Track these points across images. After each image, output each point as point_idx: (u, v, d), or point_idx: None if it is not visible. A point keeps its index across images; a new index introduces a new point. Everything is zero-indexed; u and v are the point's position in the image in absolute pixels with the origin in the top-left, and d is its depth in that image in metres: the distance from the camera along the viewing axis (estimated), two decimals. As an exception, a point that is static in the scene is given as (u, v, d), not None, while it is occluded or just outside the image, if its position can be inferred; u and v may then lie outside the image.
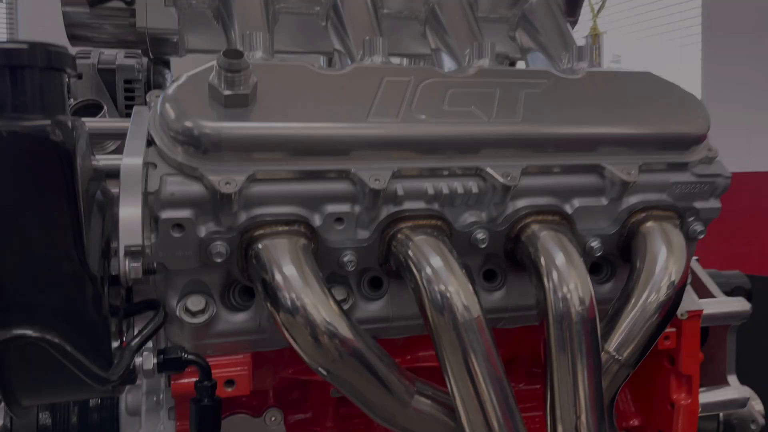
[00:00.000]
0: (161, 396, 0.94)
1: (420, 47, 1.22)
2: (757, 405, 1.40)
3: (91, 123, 0.81)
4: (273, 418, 0.95)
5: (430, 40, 1.17)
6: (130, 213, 0.67)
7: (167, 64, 1.28)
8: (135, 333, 0.68)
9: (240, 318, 0.84)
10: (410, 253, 0.81)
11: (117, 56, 1.23)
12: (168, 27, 1.03)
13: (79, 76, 1.18)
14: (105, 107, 1.03)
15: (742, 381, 1.39)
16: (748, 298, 1.40)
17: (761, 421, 1.37)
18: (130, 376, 0.68)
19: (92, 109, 1.00)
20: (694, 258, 1.24)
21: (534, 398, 1.12)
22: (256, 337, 0.85)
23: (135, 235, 0.65)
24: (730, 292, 1.38)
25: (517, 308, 0.94)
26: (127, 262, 0.63)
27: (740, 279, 1.43)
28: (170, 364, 0.70)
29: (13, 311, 0.57)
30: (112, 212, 0.68)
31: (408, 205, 0.84)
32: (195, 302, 0.80)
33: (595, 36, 2.68)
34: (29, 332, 0.55)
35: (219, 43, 1.09)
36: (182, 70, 0.83)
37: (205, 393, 0.72)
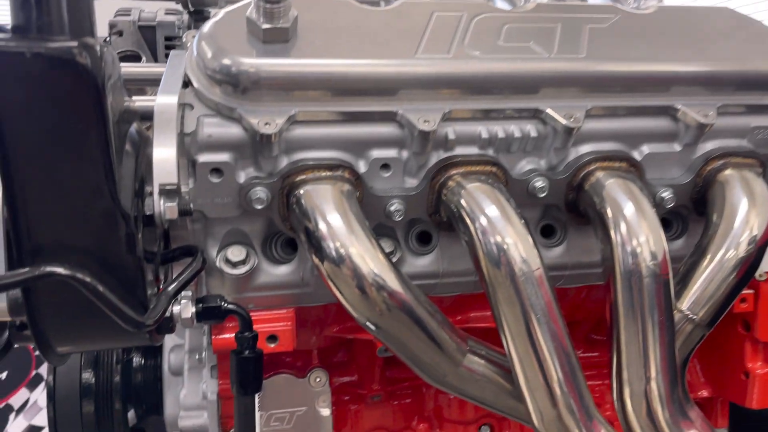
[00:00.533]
0: (203, 354, 0.91)
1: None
2: None
3: (127, 68, 0.78)
4: (318, 379, 0.91)
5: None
6: (164, 151, 0.63)
7: (207, 20, 1.23)
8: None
9: (282, 271, 0.79)
10: (463, 201, 0.74)
11: (157, 14, 1.20)
12: (206, -26, 0.99)
13: (120, 33, 1.16)
14: (144, 57, 1.00)
15: None
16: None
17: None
18: (168, 324, 0.64)
19: (131, 59, 0.97)
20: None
21: (592, 366, 1.05)
22: (300, 291, 0.81)
23: (170, 174, 0.61)
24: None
25: (577, 266, 0.87)
26: (161, 201, 0.59)
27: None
28: (209, 313, 0.66)
29: (42, 249, 0.54)
30: (146, 153, 0.65)
31: (460, 150, 0.77)
32: (235, 252, 0.76)
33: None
34: (59, 269, 0.52)
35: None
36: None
37: (246, 344, 0.68)
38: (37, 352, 2.72)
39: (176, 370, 0.97)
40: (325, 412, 0.92)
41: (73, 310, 0.57)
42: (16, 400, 2.76)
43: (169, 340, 1.01)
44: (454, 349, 0.75)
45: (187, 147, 0.70)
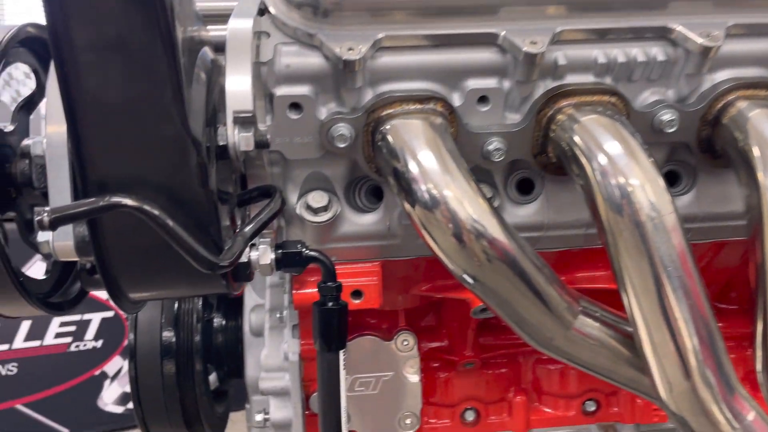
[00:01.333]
0: (284, 313, 0.86)
1: None
2: None
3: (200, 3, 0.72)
4: (405, 343, 0.84)
5: None
6: (238, 78, 0.57)
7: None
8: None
9: (367, 220, 0.72)
10: (576, 138, 0.64)
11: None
12: None
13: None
14: None
15: None
16: None
17: None
18: (245, 271, 0.58)
19: None
20: None
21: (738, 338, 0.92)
22: (386, 242, 0.73)
23: (245, 101, 0.55)
24: None
25: (709, 217, 0.75)
26: (236, 130, 0.53)
27: None
28: (289, 260, 0.60)
29: (108, 180, 0.48)
30: (218, 82, 0.58)
31: (572, 79, 0.67)
32: (317, 198, 0.69)
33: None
34: (126, 200, 0.46)
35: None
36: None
37: (330, 295, 0.61)
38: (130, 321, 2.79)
39: (257, 331, 0.92)
40: (414, 378, 0.85)
41: (143, 249, 0.51)
42: (110, 368, 2.88)
43: (249, 300, 0.96)
44: (565, 308, 0.65)
45: (264, 79, 0.64)
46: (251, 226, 0.54)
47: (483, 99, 0.67)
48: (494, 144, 0.67)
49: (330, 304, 0.61)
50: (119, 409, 2.86)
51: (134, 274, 0.52)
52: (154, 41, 0.45)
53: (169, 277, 0.54)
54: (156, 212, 0.47)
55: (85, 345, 2.83)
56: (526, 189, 0.75)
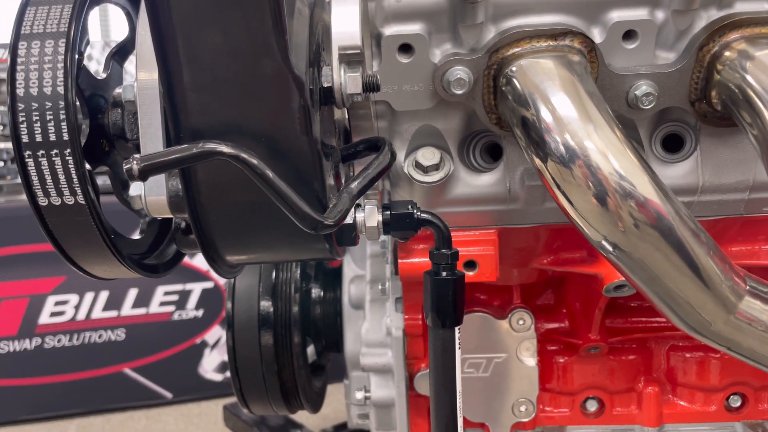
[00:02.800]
0: (387, 285, 0.79)
1: None
2: None
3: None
4: (521, 322, 0.75)
5: None
6: (345, 13, 0.49)
7: None
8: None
9: (484, 181, 0.63)
10: (751, 77, 0.51)
11: None
12: None
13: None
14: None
15: None
16: None
17: None
18: (351, 234, 0.51)
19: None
20: None
21: None
22: (505, 207, 0.64)
23: (352, 36, 0.47)
24: None
25: None
26: (342, 70, 0.46)
27: None
28: (399, 222, 0.52)
29: (202, 127, 0.43)
30: (321, 17, 0.51)
31: (743, 6, 0.54)
32: (427, 156, 0.61)
33: None
34: (222, 148, 0.40)
35: None
36: None
37: (444, 263, 0.53)
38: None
39: (357, 303, 0.86)
40: (530, 361, 0.76)
41: (241, 205, 0.46)
42: (210, 337, 2.98)
43: (348, 271, 0.91)
44: (729, 287, 0.53)
45: (371, 17, 0.56)
46: (358, 181, 0.47)
47: (630, 34, 0.56)
48: (643, 88, 0.56)
49: (444, 273, 0.53)
50: (219, 377, 2.95)
51: (231, 233, 0.47)
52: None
53: (268, 237, 0.48)
54: (255, 161, 0.41)
55: (187, 314, 2.94)
56: (672, 148, 0.63)
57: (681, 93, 0.57)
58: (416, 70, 0.57)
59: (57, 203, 0.44)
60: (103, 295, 2.75)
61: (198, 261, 2.90)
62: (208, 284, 2.93)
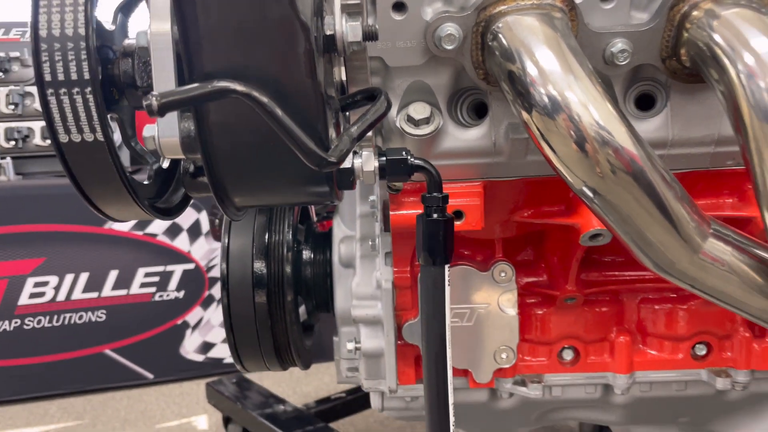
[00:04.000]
0: (377, 241, 0.83)
1: None
2: None
3: None
4: (503, 274, 0.80)
5: None
6: (345, -35, 0.53)
7: None
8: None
9: (471, 135, 0.67)
10: (717, 36, 0.56)
11: None
12: None
13: None
14: None
15: None
16: None
17: None
18: (349, 178, 0.55)
19: None
20: None
21: None
22: (490, 160, 0.68)
23: (353, -12, 0.51)
24: None
25: None
26: (343, 19, 0.49)
27: None
28: (394, 167, 0.56)
29: (215, 67, 0.46)
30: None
31: (710, -30, 0.59)
32: (419, 110, 0.65)
33: None
34: (236, 86, 0.44)
35: None
36: None
37: (435, 206, 0.57)
38: (209, 274, 2.86)
39: (347, 262, 0.90)
40: (511, 311, 0.81)
41: (250, 145, 0.49)
42: (191, 318, 2.99)
43: (338, 232, 0.94)
44: (694, 229, 0.58)
45: (365, -25, 0.59)
46: (357, 125, 0.50)
47: (607, -6, 0.60)
48: (618, 45, 0.61)
49: (436, 215, 0.57)
50: (200, 358, 2.97)
51: (240, 174, 0.50)
52: None
53: (274, 178, 0.51)
54: (265, 99, 0.44)
55: (168, 295, 2.95)
56: (644, 107, 0.68)
57: (653, 50, 0.62)
58: (409, 27, 0.61)
59: (77, 140, 0.47)
60: (83, 277, 2.75)
61: (179, 243, 2.91)
62: (189, 266, 2.94)
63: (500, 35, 0.58)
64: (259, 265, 0.93)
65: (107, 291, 2.80)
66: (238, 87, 0.44)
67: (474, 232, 0.71)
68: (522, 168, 0.69)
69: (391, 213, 0.70)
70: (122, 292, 2.83)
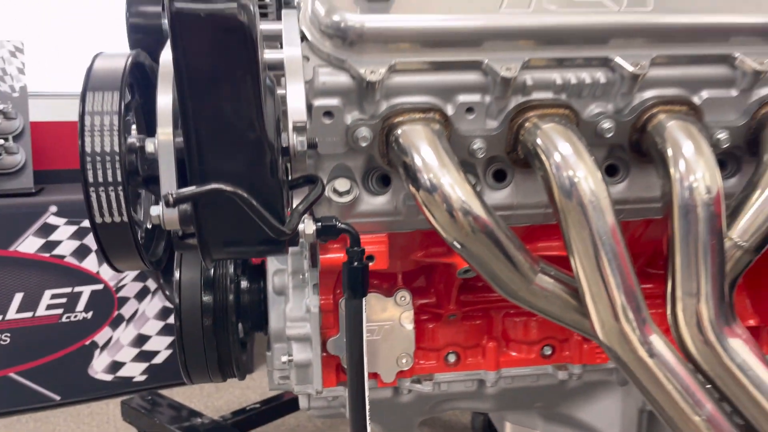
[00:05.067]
0: (306, 275, 1.07)
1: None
2: None
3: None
4: (403, 298, 1.06)
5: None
6: (295, 95, 0.76)
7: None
8: (295, 204, 0.78)
9: (379, 201, 0.93)
10: (539, 140, 0.85)
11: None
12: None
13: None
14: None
15: None
16: None
17: None
18: (296, 239, 0.78)
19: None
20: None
21: (647, 297, 1.15)
22: (392, 219, 0.94)
23: (300, 113, 0.74)
24: None
25: (638, 201, 0.97)
26: (294, 135, 0.73)
27: None
28: (327, 230, 0.80)
29: (209, 171, 0.68)
30: (278, 97, 0.78)
31: (536, 95, 0.88)
32: (342, 184, 0.89)
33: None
34: (225, 186, 0.66)
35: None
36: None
37: (356, 257, 0.82)
38: (119, 294, 2.93)
39: (279, 290, 1.12)
40: (409, 326, 1.07)
41: (230, 222, 0.71)
42: (100, 338, 3.02)
43: (271, 266, 1.16)
44: (528, 268, 0.87)
45: (306, 93, 0.83)
46: (303, 204, 0.74)
47: (470, 110, 0.88)
48: (477, 144, 0.88)
49: (356, 263, 0.82)
50: (109, 377, 3.01)
51: (221, 239, 0.72)
52: (245, 75, 0.65)
53: (245, 242, 0.73)
54: (245, 195, 0.67)
55: (76, 316, 2.96)
56: (500, 178, 0.97)
57: (500, 146, 0.90)
58: (335, 129, 0.85)
59: (108, 221, 0.68)
60: (-14, 301, 2.73)
61: (88, 263, 2.95)
62: (98, 286, 2.98)
63: (398, 137, 0.84)
64: (207, 297, 1.13)
65: (11, 314, 2.79)
66: (227, 188, 0.67)
67: (381, 269, 0.96)
68: (416, 224, 0.95)
69: (320, 257, 0.94)
70: (28, 314, 2.83)
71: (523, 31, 0.85)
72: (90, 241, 2.92)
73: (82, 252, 2.93)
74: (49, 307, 2.90)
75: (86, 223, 2.90)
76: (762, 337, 1.18)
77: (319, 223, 0.80)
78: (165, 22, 0.89)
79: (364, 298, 0.84)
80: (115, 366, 3.01)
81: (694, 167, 0.85)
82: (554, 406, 1.28)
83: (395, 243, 0.99)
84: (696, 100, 0.91)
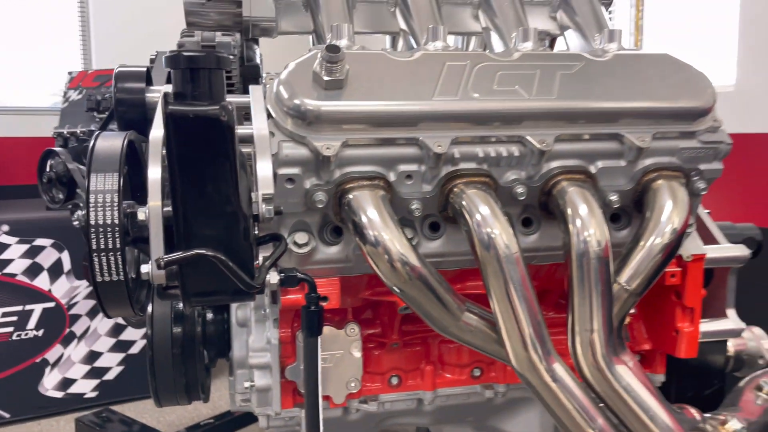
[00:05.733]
0: (267, 311, 1.22)
1: (474, 26, 1.41)
2: (766, 344, 1.63)
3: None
4: (352, 330, 1.22)
5: (482, 21, 1.37)
6: (264, 169, 0.92)
7: (256, 41, 1.50)
8: (261, 259, 0.94)
9: (333, 250, 1.09)
10: (464, 203, 1.04)
11: (216, 35, 1.47)
12: (266, 15, 1.26)
13: (186, 52, 1.43)
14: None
15: (758, 324, 1.62)
16: (759, 248, 1.61)
17: (768, 357, 1.60)
18: (262, 287, 0.94)
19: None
20: (705, 211, 1.44)
21: (562, 325, 1.36)
22: (344, 265, 1.11)
23: (268, 186, 0.90)
24: (742, 242, 1.58)
25: (548, 249, 1.17)
26: (263, 205, 0.88)
27: (752, 231, 1.62)
28: (289, 280, 0.96)
29: (193, 238, 0.82)
30: (247, 170, 0.93)
31: (463, 165, 1.07)
32: (301, 237, 1.06)
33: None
34: (206, 251, 0.81)
35: (305, 27, 1.31)
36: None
37: (313, 302, 0.98)
38: (70, 312, 2.99)
39: (242, 323, 1.27)
40: (357, 354, 1.23)
41: (208, 278, 0.86)
42: (51, 355, 3.05)
43: (235, 300, 1.30)
44: (455, 308, 1.05)
45: (272, 164, 0.99)
46: (269, 260, 0.90)
47: (408, 177, 1.06)
48: (415, 204, 1.06)
49: (313, 307, 0.98)
50: (59, 394, 3.04)
51: (201, 292, 0.87)
52: (224, 163, 0.80)
53: (220, 293, 0.88)
54: (223, 258, 0.82)
55: (26, 334, 2.99)
56: (435, 228, 1.15)
57: (434, 207, 1.08)
58: (296, 192, 1.02)
59: (107, 279, 0.82)
60: (-68, 321, 2.73)
61: (39, 282, 2.99)
62: (50, 304, 3.03)
63: (349, 200, 1.01)
64: (177, 330, 1.26)
65: (-40, 333, 2.80)
66: (207, 252, 0.82)
67: (334, 308, 1.12)
68: (364, 269, 1.12)
69: (282, 298, 1.09)
70: (-24, 333, 2.84)
71: (452, 114, 1.04)
72: (42, 259, 2.96)
73: (33, 270, 2.97)
74: (0, 325, 2.92)
75: (38, 242, 2.95)
76: (656, 360, 1.40)
77: (282, 274, 0.95)
78: (148, 96, 1.04)
79: (319, 337, 1.00)
80: (66, 383, 3.05)
81: (587, 225, 1.05)
82: (484, 420, 1.47)
83: (346, 284, 1.15)
84: (592, 169, 1.11)
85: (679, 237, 1.11)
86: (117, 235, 0.80)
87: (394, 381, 1.32)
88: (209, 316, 1.32)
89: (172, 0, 1.68)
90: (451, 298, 1.04)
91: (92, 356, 3.16)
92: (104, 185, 0.81)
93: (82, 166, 2.86)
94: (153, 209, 0.84)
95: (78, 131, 3.36)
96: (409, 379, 1.33)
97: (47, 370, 3.07)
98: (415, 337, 1.31)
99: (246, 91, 1.08)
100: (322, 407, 1.03)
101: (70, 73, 3.62)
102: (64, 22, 4.08)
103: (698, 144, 1.14)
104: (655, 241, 1.10)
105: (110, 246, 0.80)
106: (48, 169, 2.93)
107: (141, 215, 0.85)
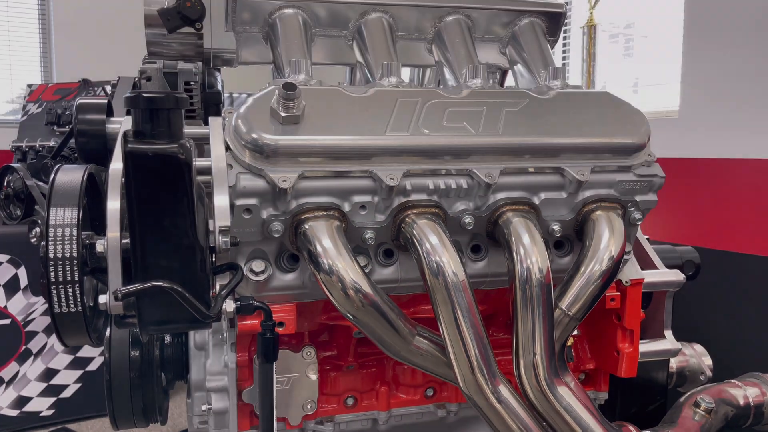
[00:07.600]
0: (224, 335, 1.25)
1: (428, 60, 1.48)
2: (706, 360, 1.72)
3: (177, 129, 1.09)
4: (308, 353, 1.26)
5: (435, 55, 1.44)
6: (221, 203, 0.96)
7: (218, 69, 1.54)
8: (218, 287, 0.97)
9: (289, 277, 1.13)
10: (415, 232, 1.09)
11: (178, 62, 1.50)
12: (227, 47, 1.30)
13: (148, 78, 1.46)
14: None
15: (698, 341, 1.71)
16: (697, 270, 1.70)
17: (709, 373, 1.69)
18: (219, 315, 0.97)
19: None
20: (645, 236, 1.52)
21: (509, 346, 1.42)
22: (300, 291, 1.15)
23: (225, 218, 0.94)
24: (682, 265, 1.68)
25: (495, 275, 1.23)
26: (220, 237, 0.92)
27: (691, 254, 1.72)
28: (245, 308, 0.99)
29: (150, 270, 0.86)
30: (204, 202, 0.97)
31: (414, 197, 1.12)
32: (258, 265, 1.09)
33: (591, 27, 2.89)
34: (163, 283, 0.84)
35: (265, 57, 1.35)
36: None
37: (269, 329, 1.01)
38: (27, 329, 2.94)
39: (200, 346, 1.29)
40: (313, 377, 1.27)
41: (165, 308, 0.89)
42: (6, 373, 2.99)
43: (194, 324, 1.33)
44: (407, 333, 1.10)
45: (229, 195, 1.03)
46: (225, 290, 0.93)
47: (362, 207, 1.10)
48: (369, 234, 1.11)
49: (269, 334, 1.02)
50: (14, 413, 2.98)
51: (157, 320, 0.90)
52: (182, 199, 0.84)
53: (177, 322, 0.91)
54: (179, 289, 0.85)
55: (-19, 351, 2.92)
56: (389, 255, 1.20)
57: (387, 236, 1.13)
58: (253, 222, 1.05)
59: (65, 311, 0.84)
60: None
61: (-8, 298, 2.92)
62: (5, 321, 2.97)
63: (305, 230, 1.05)
64: (135, 353, 1.28)
65: None
66: (165, 284, 0.85)
67: (290, 333, 1.16)
68: (319, 295, 1.16)
69: (239, 323, 1.13)
70: (-73, 352, 2.77)
71: (404, 148, 1.10)
72: (-3, 276, 2.91)
73: (-12, 288, 2.91)
74: (-47, 342, 2.85)
75: (-5, 259, 2.89)
76: (600, 378, 1.48)
77: (239, 302, 0.99)
78: (108, 127, 1.07)
79: (274, 362, 1.03)
80: (22, 401, 2.99)
81: (530, 254, 1.11)
82: (437, 438, 1.52)
83: (303, 309, 1.19)
84: (535, 200, 1.18)
85: (616, 264, 1.18)
86: (75, 268, 0.83)
87: (350, 402, 1.36)
88: (167, 339, 1.34)
89: (134, 13, 1.71)
90: (402, 323, 1.09)
91: (49, 373, 3.11)
92: (63, 219, 0.84)
93: (40, 183, 2.83)
94: (111, 240, 0.87)
95: (37, 145, 3.32)
96: (365, 399, 1.37)
97: (2, 388, 3.01)
98: (370, 359, 1.36)
99: (207, 117, 1.12)
100: (277, 430, 1.06)
101: (29, 85, 3.57)
102: (23, 33, 4.03)
103: (634, 177, 1.22)
104: (594, 268, 1.17)
105: (68, 278, 0.83)
106: (5, 185, 2.89)
107: (99, 247, 0.88)
